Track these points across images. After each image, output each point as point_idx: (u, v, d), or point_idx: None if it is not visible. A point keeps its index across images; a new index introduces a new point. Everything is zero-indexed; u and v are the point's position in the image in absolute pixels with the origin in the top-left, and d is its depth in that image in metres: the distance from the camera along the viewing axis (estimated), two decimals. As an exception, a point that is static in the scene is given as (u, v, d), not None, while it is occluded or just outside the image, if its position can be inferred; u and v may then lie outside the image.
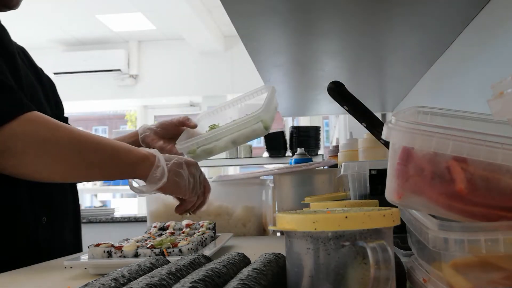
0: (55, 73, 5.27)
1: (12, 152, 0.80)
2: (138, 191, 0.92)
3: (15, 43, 1.12)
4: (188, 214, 1.04)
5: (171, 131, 1.20)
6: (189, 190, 0.95)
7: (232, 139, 1.05)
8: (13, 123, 0.79)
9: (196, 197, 0.99)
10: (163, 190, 0.92)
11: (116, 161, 0.89)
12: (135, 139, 1.16)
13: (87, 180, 0.97)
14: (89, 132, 0.90)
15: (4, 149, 0.79)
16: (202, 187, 1.00)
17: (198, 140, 1.00)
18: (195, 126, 1.20)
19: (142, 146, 1.11)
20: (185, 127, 1.20)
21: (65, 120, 1.21)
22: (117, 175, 0.90)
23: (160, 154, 0.93)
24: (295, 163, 1.75)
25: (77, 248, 1.14)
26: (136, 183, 0.93)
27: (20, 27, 4.75)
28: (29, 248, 0.96)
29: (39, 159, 0.83)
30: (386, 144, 0.74)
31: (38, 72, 1.14)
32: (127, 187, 0.94)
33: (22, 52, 1.13)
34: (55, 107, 1.15)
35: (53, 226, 1.02)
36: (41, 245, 0.98)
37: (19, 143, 0.80)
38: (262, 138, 3.39)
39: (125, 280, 0.47)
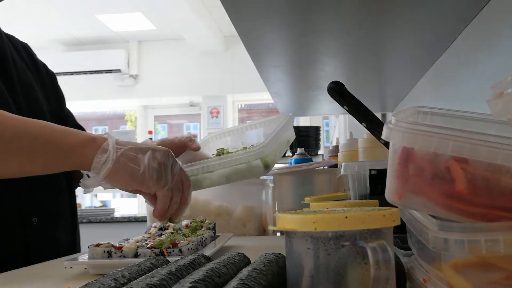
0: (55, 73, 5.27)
1: None
2: (82, 185, 0.75)
3: (17, 40, 1.13)
4: (171, 223, 0.85)
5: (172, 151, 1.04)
6: (152, 180, 0.75)
7: (225, 174, 0.90)
8: None
9: (170, 191, 0.78)
10: (113, 179, 0.73)
11: (49, 146, 0.73)
12: None
13: (21, 174, 0.80)
14: (18, 116, 0.75)
15: None
16: (177, 182, 0.79)
17: (187, 170, 0.85)
18: (197, 149, 1.04)
19: None
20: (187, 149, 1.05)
21: (68, 114, 1.20)
22: (53, 163, 0.74)
23: (114, 137, 0.76)
24: (295, 163, 1.75)
25: (72, 250, 1.11)
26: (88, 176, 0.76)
27: (20, 27, 4.75)
28: (16, 250, 0.93)
29: None
30: (386, 144, 0.74)
31: (38, 68, 1.14)
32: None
33: (23, 48, 1.14)
34: (55, 102, 1.15)
35: (45, 227, 1.00)
36: (30, 247, 0.95)
37: None
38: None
39: (125, 280, 0.47)
